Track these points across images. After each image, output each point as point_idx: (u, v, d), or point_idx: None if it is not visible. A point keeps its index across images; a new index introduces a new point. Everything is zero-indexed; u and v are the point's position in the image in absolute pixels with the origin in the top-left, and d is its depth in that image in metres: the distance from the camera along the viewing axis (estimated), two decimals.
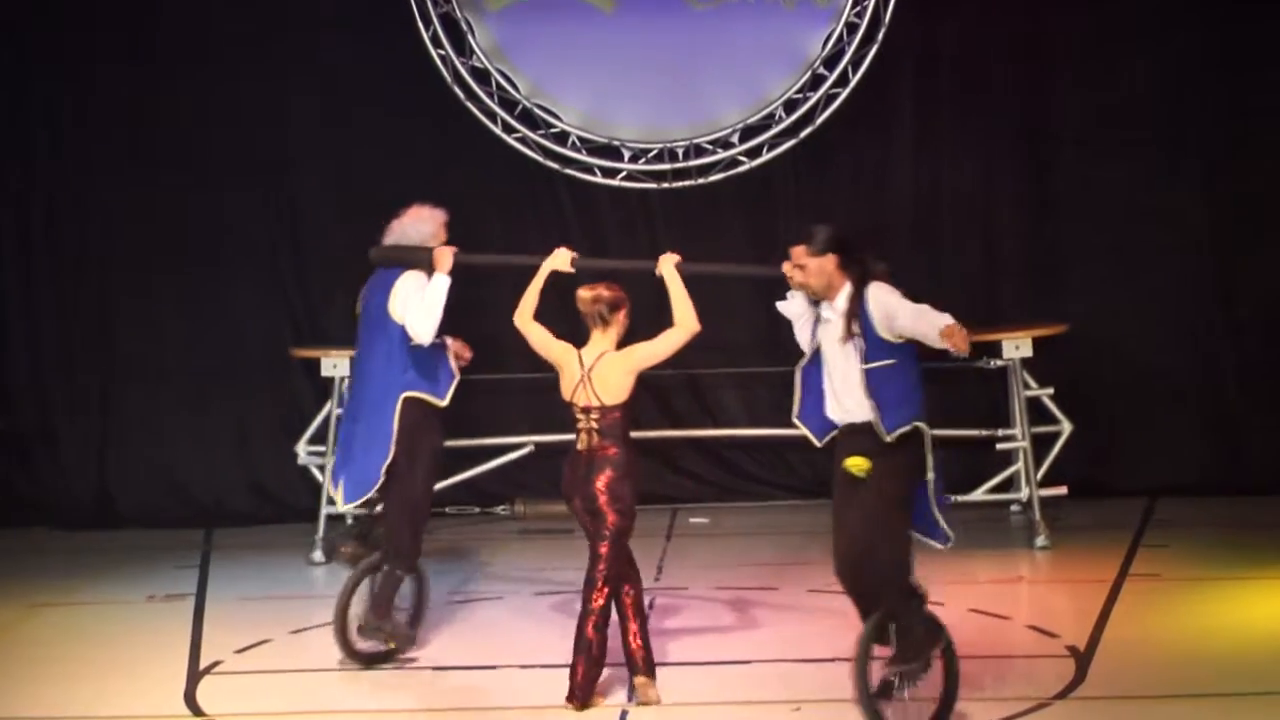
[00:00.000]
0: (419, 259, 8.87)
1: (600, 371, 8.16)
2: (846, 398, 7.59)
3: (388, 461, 8.73)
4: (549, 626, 9.61)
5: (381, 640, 8.89)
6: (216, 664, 9.12)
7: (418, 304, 8.75)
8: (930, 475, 7.55)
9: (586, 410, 8.15)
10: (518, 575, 10.93)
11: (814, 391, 7.72)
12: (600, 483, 8.08)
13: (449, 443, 10.62)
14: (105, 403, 12.82)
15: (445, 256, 8.79)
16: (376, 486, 8.82)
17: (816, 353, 7.74)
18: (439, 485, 11.34)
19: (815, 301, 7.75)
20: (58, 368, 12.90)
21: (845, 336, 7.55)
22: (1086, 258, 12.49)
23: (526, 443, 12.18)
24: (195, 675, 8.91)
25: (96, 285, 12.84)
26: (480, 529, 12.34)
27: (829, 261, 7.61)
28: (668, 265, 8.28)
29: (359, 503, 8.99)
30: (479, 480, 12.38)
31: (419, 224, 9.04)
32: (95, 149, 12.78)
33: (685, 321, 8.19)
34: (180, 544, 12.07)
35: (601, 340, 8.25)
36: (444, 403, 8.87)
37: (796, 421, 7.81)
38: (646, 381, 12.65)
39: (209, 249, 12.72)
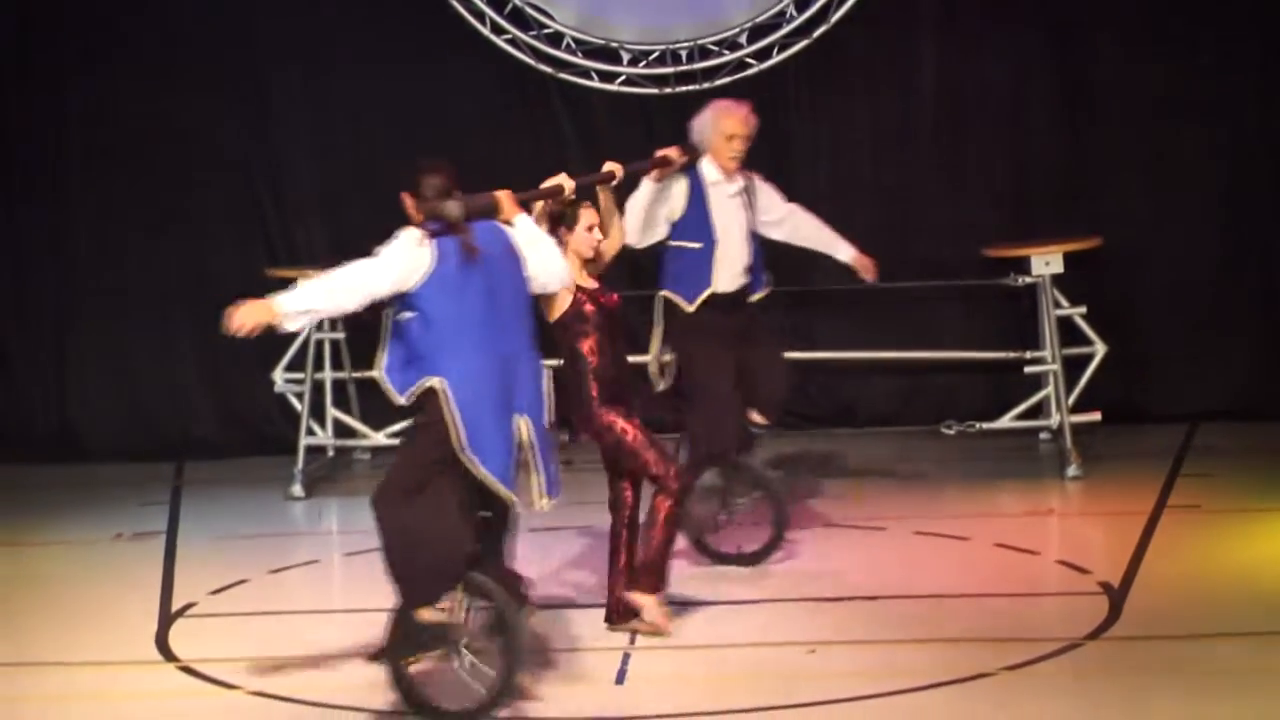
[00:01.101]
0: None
1: None
2: None
3: None
4: (547, 565, 9.66)
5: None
6: (189, 606, 9.18)
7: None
8: None
9: None
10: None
11: None
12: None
13: None
14: (62, 326, 12.84)
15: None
16: None
17: None
18: None
19: None
20: (9, 290, 12.91)
21: None
22: (1124, 164, 12.45)
23: None
24: (167, 619, 8.97)
25: (50, 199, 12.82)
26: None
27: None
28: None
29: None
30: None
31: None
32: (49, 53, 12.75)
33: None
34: (148, 478, 12.13)
35: None
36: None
37: None
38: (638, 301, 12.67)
39: (175, 162, 12.71)
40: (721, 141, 9.32)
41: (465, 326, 7.24)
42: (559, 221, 8.16)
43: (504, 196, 7.61)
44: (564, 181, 8.12)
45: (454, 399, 7.20)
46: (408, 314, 7.25)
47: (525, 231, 7.58)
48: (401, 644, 7.37)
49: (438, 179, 7.42)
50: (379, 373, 7.31)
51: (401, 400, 7.28)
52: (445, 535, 7.21)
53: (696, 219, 9.25)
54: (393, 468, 7.43)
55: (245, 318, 7.06)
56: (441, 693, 7.38)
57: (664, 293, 9.31)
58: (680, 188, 9.28)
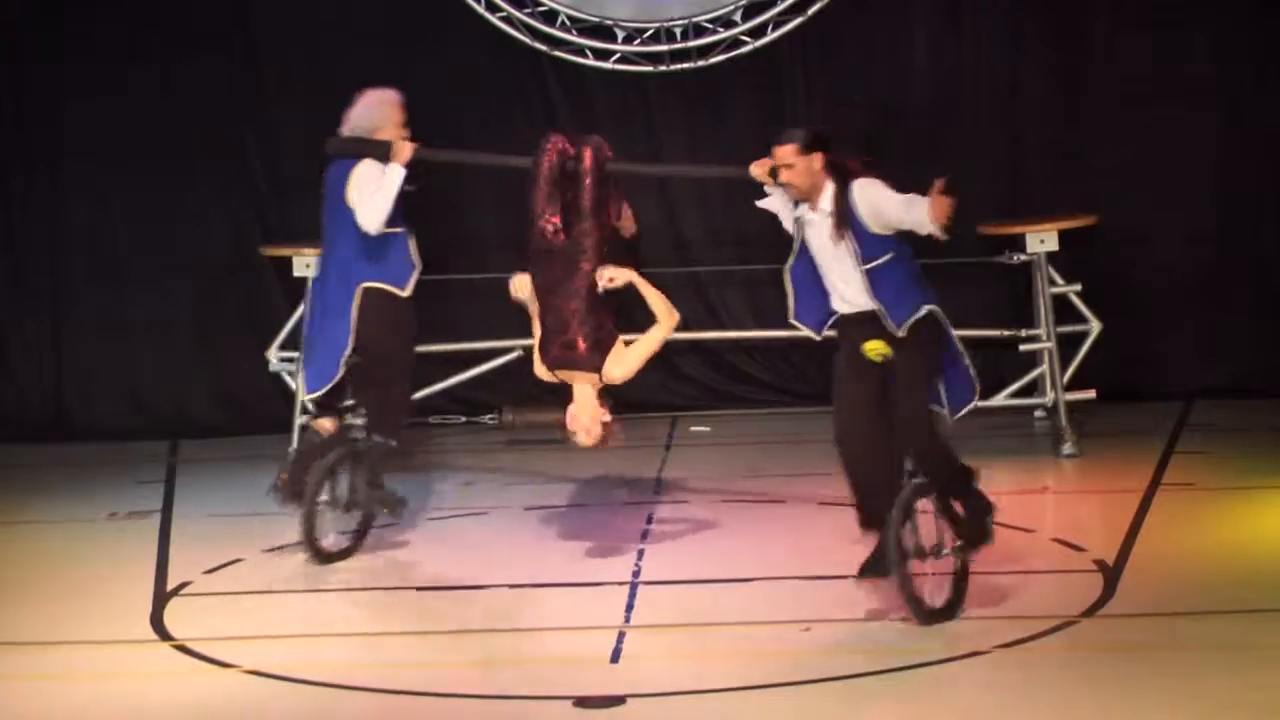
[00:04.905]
0: (378, 152, 9.29)
1: None
2: (849, 293, 8.00)
3: (347, 353, 9.31)
4: (540, 544, 9.69)
5: (377, 510, 9.48)
6: (184, 585, 9.19)
7: (370, 194, 9.23)
8: (954, 346, 8.08)
9: None
10: (506, 489, 10.98)
11: (808, 289, 8.14)
12: None
13: (432, 347, 10.69)
14: (57, 306, 12.83)
15: (404, 150, 9.26)
16: (335, 378, 9.38)
17: (803, 250, 8.10)
18: (425, 392, 11.50)
19: (795, 202, 8.08)
20: (3, 269, 12.89)
21: (836, 236, 7.93)
22: (1119, 142, 12.44)
23: (514, 347, 12.20)
24: (162, 597, 8.98)
25: (45, 178, 12.81)
26: (465, 439, 12.39)
27: (816, 160, 7.97)
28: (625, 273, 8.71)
29: (319, 394, 9.52)
30: (464, 387, 12.44)
31: (369, 110, 9.48)
32: (44, 30, 12.72)
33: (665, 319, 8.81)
34: (143, 457, 12.13)
35: None
36: (405, 293, 9.36)
37: (795, 322, 8.24)
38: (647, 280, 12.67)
39: (170, 141, 12.69)
40: None
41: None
42: None
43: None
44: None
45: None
46: (889, 255, 7.97)
47: None
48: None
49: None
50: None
51: (899, 332, 7.91)
52: None
53: None
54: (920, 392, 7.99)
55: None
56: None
57: None
58: None
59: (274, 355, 12.09)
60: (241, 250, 12.67)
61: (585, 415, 8.82)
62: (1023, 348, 11.79)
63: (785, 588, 8.74)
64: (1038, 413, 12.11)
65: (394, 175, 9.24)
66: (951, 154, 12.45)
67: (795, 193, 8.02)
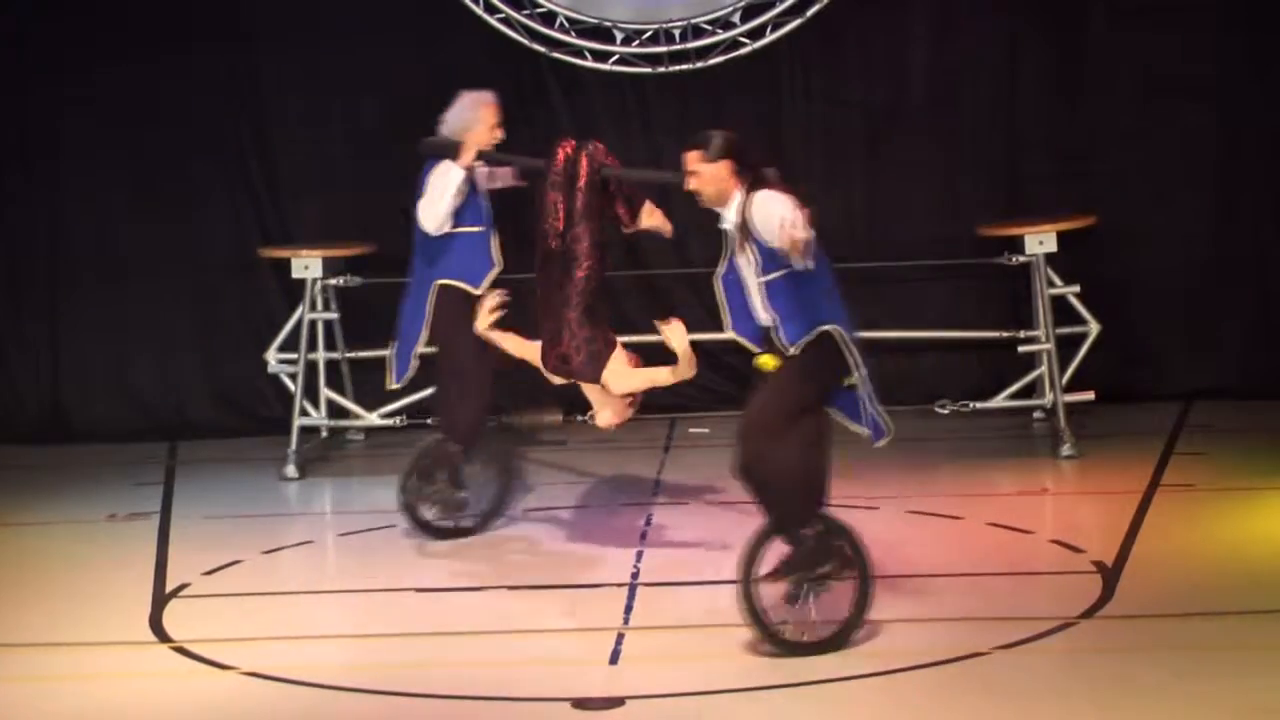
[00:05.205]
0: (451, 153, 9.63)
1: None
2: (755, 304, 7.84)
3: (418, 347, 9.72)
4: (539, 545, 9.68)
5: (429, 505, 9.76)
6: (183, 587, 9.19)
7: (429, 193, 9.58)
8: (857, 378, 7.81)
9: None
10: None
11: (737, 298, 7.92)
12: None
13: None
14: (55, 307, 12.82)
15: (466, 152, 9.55)
16: (410, 371, 9.84)
17: (732, 260, 7.92)
18: (425, 393, 11.51)
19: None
20: (1, 270, 12.88)
21: (739, 247, 7.80)
22: (1118, 143, 12.44)
23: None
24: (161, 599, 8.98)
25: (42, 178, 12.79)
26: None
27: (723, 168, 7.80)
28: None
29: (398, 385, 10.03)
30: None
31: (459, 111, 9.78)
32: (41, 30, 12.71)
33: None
34: (142, 458, 12.13)
35: None
36: (478, 291, 9.56)
37: (730, 334, 8.00)
38: (641, 281, 12.72)
39: (167, 142, 12.68)
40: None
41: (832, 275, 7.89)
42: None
43: None
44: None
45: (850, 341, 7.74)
46: (787, 270, 7.66)
47: None
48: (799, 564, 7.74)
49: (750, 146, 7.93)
50: None
51: (791, 350, 7.69)
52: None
53: None
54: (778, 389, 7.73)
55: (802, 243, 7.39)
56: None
57: None
58: None
59: (272, 356, 12.09)
60: (240, 252, 12.66)
61: (606, 410, 8.86)
62: (1021, 349, 11.79)
63: (783, 589, 8.71)
64: (1036, 414, 12.11)
65: (452, 176, 9.54)
66: (950, 155, 12.48)
67: (704, 200, 7.86)
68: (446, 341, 9.69)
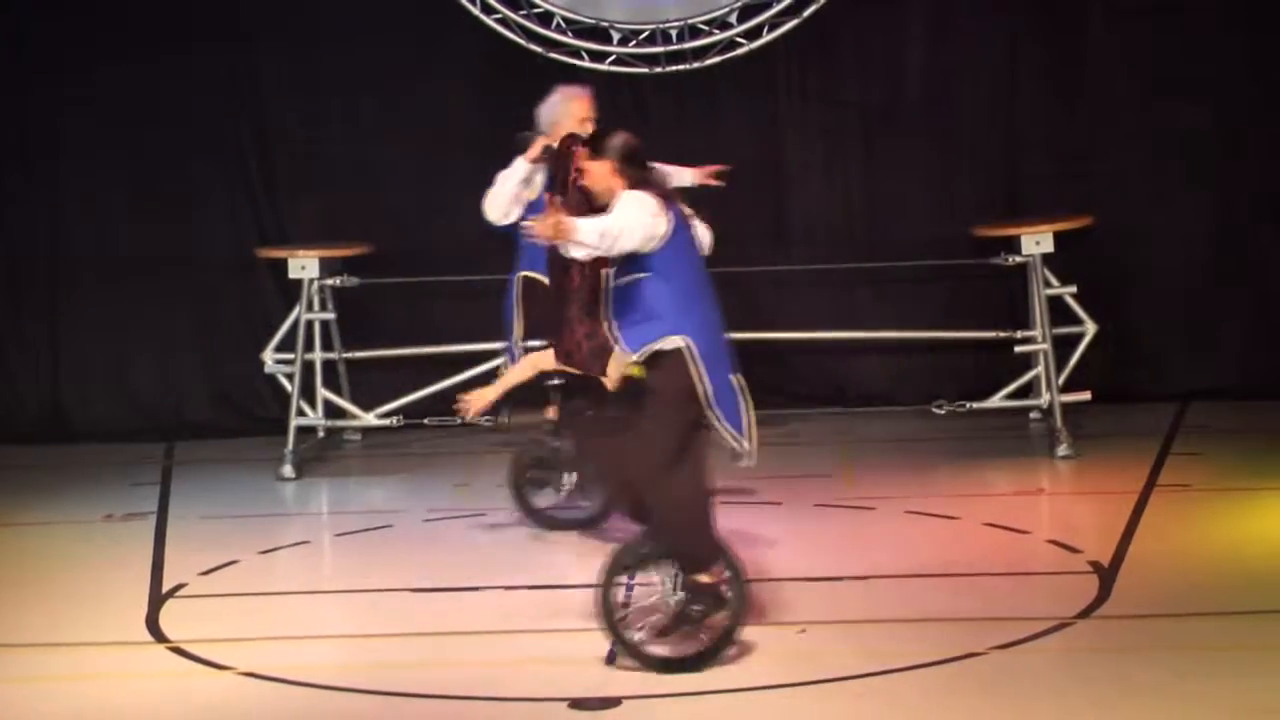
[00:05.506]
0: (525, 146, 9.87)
1: None
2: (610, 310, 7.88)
3: (515, 340, 9.84)
4: (535, 545, 9.67)
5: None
6: (180, 587, 9.18)
7: (495, 184, 9.82)
8: (702, 396, 7.60)
9: None
10: (501, 491, 10.95)
11: None
12: None
13: (429, 349, 10.71)
14: (53, 307, 12.81)
15: (532, 146, 9.76)
16: (511, 359, 9.90)
17: None
18: (423, 393, 11.53)
19: None
20: (1, 269, 12.89)
21: None
22: (1115, 143, 12.44)
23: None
24: (157, 599, 8.98)
25: (39, 174, 12.78)
26: (462, 441, 12.38)
27: (604, 166, 7.81)
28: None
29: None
30: (460, 389, 12.39)
31: (550, 105, 9.99)
32: (40, 30, 12.70)
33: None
34: (139, 458, 12.12)
35: None
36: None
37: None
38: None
39: (166, 142, 12.68)
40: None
41: (696, 288, 7.63)
42: None
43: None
44: None
45: (698, 356, 7.50)
46: (642, 275, 7.53)
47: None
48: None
49: (640, 148, 7.74)
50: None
51: (634, 357, 7.54)
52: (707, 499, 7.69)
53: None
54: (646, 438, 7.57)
55: (547, 229, 7.36)
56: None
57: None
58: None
59: (269, 357, 12.09)
60: (238, 252, 12.66)
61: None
62: (1018, 349, 11.79)
63: (781, 589, 8.73)
64: (1033, 414, 12.11)
65: (515, 168, 9.75)
66: (947, 156, 12.48)
67: (596, 198, 7.89)
68: (535, 333, 9.74)
